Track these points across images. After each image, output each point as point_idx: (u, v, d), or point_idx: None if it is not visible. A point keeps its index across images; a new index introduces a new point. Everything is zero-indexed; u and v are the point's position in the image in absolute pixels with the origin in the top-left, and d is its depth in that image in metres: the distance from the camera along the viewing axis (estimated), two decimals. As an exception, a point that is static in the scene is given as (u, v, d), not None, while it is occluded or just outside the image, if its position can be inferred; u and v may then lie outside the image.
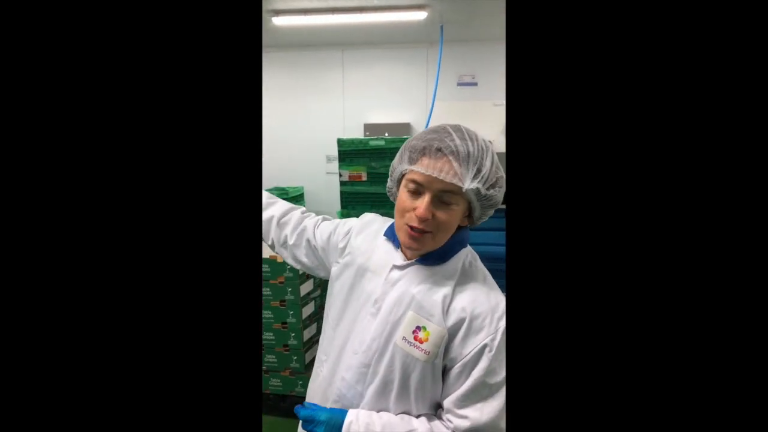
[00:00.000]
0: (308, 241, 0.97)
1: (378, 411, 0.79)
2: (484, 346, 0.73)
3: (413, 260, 0.81)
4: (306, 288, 2.10)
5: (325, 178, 3.41)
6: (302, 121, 3.39)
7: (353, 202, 2.21)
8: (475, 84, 3.18)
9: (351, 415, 0.78)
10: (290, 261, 1.01)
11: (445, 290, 0.77)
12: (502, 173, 0.77)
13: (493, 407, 0.73)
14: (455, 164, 0.72)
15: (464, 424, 0.73)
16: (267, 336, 2.11)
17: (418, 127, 3.21)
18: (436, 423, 0.76)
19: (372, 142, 2.15)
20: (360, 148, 2.15)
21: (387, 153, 2.12)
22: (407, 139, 0.83)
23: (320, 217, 1.02)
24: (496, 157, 0.76)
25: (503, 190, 0.77)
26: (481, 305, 0.75)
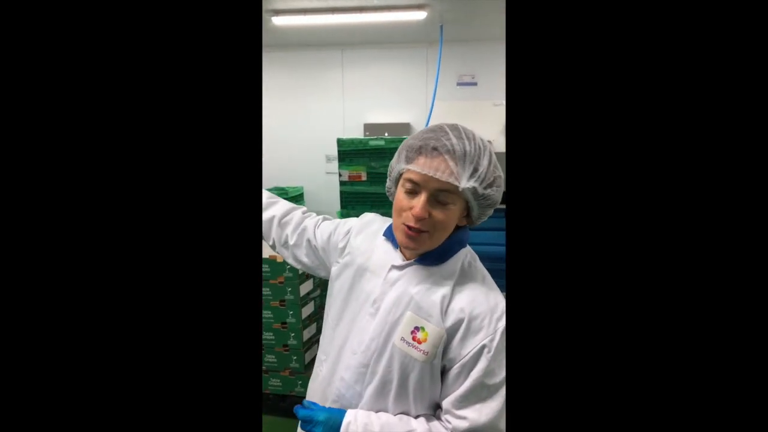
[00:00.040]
0: (309, 241, 0.97)
1: (377, 411, 0.79)
2: (483, 347, 0.73)
3: (412, 260, 0.81)
4: (306, 288, 2.10)
5: (324, 178, 3.41)
6: (302, 121, 3.39)
7: (353, 202, 2.21)
8: (475, 84, 3.18)
9: (349, 416, 0.78)
10: (291, 261, 1.01)
11: (444, 290, 0.77)
12: (500, 172, 0.77)
13: (492, 408, 0.73)
14: (451, 163, 0.72)
15: (463, 424, 0.73)
16: (267, 336, 2.11)
17: (418, 127, 3.21)
18: (435, 423, 0.76)
19: (372, 142, 2.15)
20: (360, 148, 2.15)
21: (387, 153, 2.11)
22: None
23: (321, 217, 1.02)
24: (494, 156, 0.76)
25: (501, 189, 0.77)
26: (480, 306, 0.75)
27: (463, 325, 0.74)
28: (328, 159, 3.38)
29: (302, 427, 0.80)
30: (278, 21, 2.52)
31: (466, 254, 0.82)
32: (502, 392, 0.73)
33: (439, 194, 0.73)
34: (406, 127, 3.22)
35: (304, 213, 1.03)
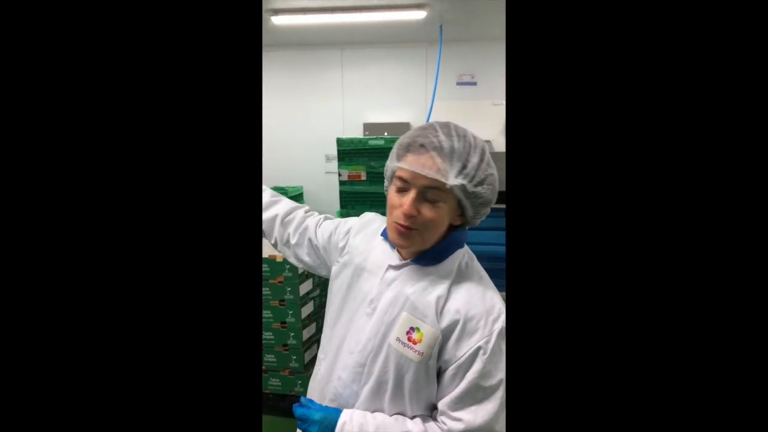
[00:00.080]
0: (310, 240, 0.97)
1: (373, 411, 0.79)
2: (478, 349, 0.72)
3: (408, 260, 0.80)
4: (305, 288, 2.10)
5: (324, 178, 3.41)
6: (301, 120, 3.39)
7: (352, 202, 2.21)
8: (475, 83, 3.18)
9: (345, 416, 0.78)
10: (293, 260, 1.01)
11: (440, 291, 0.76)
12: (493, 171, 0.76)
13: (488, 410, 0.72)
14: (438, 160, 0.71)
15: (458, 426, 0.72)
16: (266, 335, 2.11)
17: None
18: (431, 424, 0.76)
19: (371, 142, 2.15)
20: (359, 147, 2.15)
21: (386, 152, 2.09)
22: None
23: (322, 216, 1.02)
24: (487, 154, 0.76)
25: (494, 188, 0.76)
26: (476, 307, 0.74)
27: (459, 326, 0.74)
28: (328, 159, 3.38)
29: (299, 426, 0.80)
30: (278, 20, 2.52)
31: (464, 254, 0.81)
32: (499, 394, 0.73)
33: (428, 192, 0.73)
34: (405, 127, 3.22)
35: (306, 212, 1.03)
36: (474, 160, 0.73)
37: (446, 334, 0.74)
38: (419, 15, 2.42)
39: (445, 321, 0.75)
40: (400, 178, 0.75)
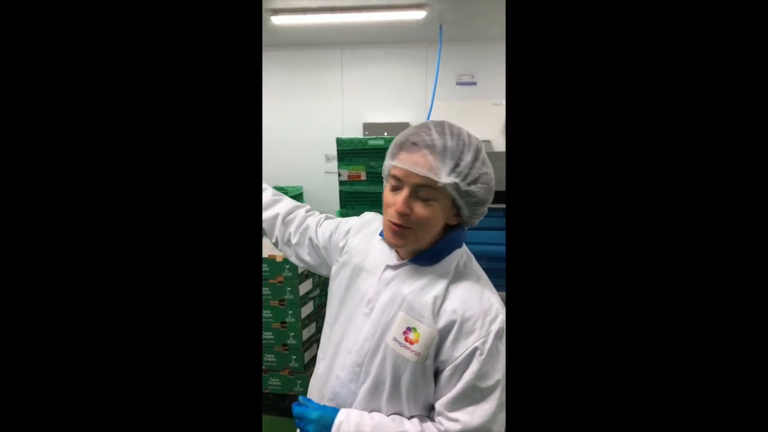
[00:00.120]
0: (311, 239, 0.97)
1: (370, 411, 0.79)
2: (475, 350, 0.72)
3: (406, 260, 0.80)
4: (305, 287, 2.10)
5: (324, 178, 3.41)
6: (301, 120, 3.39)
7: (352, 202, 2.21)
8: (474, 83, 3.18)
9: (342, 415, 0.78)
10: (294, 259, 1.01)
11: (437, 291, 0.76)
12: (488, 170, 0.75)
13: (485, 411, 0.72)
14: (430, 157, 0.71)
15: (454, 427, 0.72)
16: (266, 335, 2.11)
17: (417, 126, 3.20)
18: (429, 425, 0.76)
19: (371, 142, 2.15)
20: (359, 147, 2.15)
21: (386, 152, 2.11)
22: None
23: (323, 215, 1.02)
24: (482, 153, 0.75)
25: (489, 187, 0.76)
26: (473, 307, 0.74)
27: (455, 327, 0.73)
28: (328, 158, 3.38)
29: (296, 424, 0.81)
30: (277, 20, 2.52)
31: (462, 255, 0.81)
32: (496, 395, 0.72)
33: (420, 190, 0.73)
34: (405, 127, 3.20)
35: (307, 211, 1.03)
36: (467, 158, 0.72)
37: (443, 334, 0.74)
38: (419, 15, 2.42)
39: (442, 321, 0.74)
40: (394, 177, 0.75)
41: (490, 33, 2.82)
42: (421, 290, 0.77)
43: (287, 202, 1.03)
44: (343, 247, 0.91)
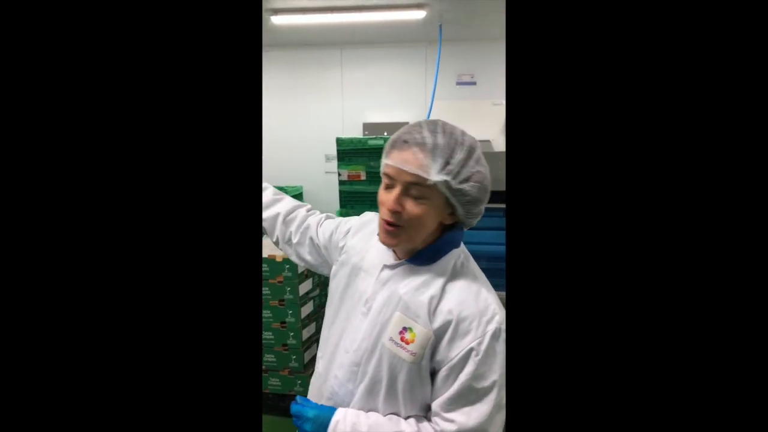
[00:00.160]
0: (311, 239, 0.97)
1: (367, 411, 0.79)
2: (471, 350, 0.72)
3: (403, 260, 0.80)
4: (305, 287, 2.09)
5: (324, 178, 3.40)
6: (301, 120, 3.38)
7: (352, 202, 2.21)
8: (474, 83, 3.18)
9: (339, 414, 0.78)
10: (295, 258, 1.01)
11: (433, 291, 0.76)
12: (482, 169, 0.75)
13: (481, 412, 0.72)
14: (420, 155, 0.71)
15: (450, 428, 0.72)
16: (266, 335, 2.11)
17: (417, 126, 3.19)
18: (425, 425, 0.76)
19: (371, 142, 2.15)
20: (359, 147, 2.15)
21: (386, 152, 2.10)
22: None
23: (324, 215, 1.03)
24: (477, 152, 0.75)
25: (482, 186, 0.75)
26: (469, 308, 0.74)
27: (451, 327, 0.73)
28: (328, 158, 3.38)
29: (294, 423, 0.81)
30: (277, 20, 2.52)
31: (459, 255, 0.81)
32: (492, 396, 0.72)
33: (412, 188, 0.73)
34: (405, 127, 3.21)
35: (308, 211, 1.03)
36: (458, 156, 0.72)
37: (439, 334, 0.74)
38: (419, 15, 2.42)
39: (438, 321, 0.74)
40: (387, 175, 0.75)
41: (490, 33, 2.82)
42: (417, 290, 0.77)
43: (288, 202, 1.03)
44: (342, 247, 0.91)
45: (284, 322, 2.08)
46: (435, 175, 0.71)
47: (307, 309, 2.13)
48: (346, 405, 0.81)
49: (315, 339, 2.19)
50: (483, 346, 0.72)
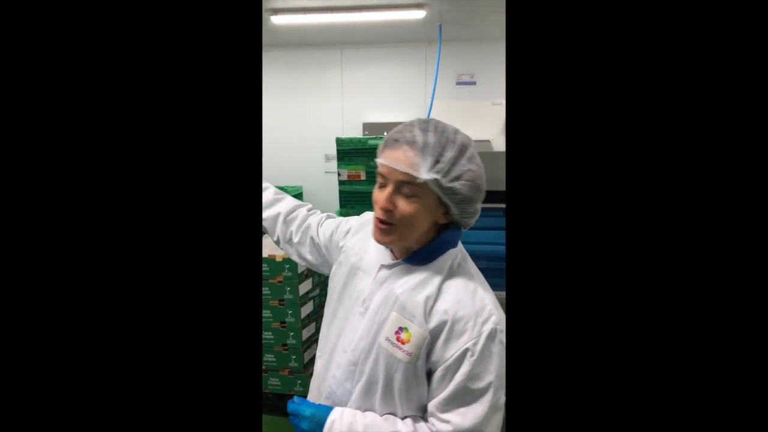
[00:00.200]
0: (312, 239, 0.98)
1: (364, 410, 0.79)
2: (466, 351, 0.72)
3: (400, 260, 0.80)
4: (305, 287, 2.09)
5: (323, 178, 3.40)
6: (301, 120, 3.38)
7: (352, 201, 2.21)
8: (474, 83, 3.17)
9: (335, 413, 0.78)
10: (296, 258, 1.02)
11: (429, 291, 0.76)
12: (474, 167, 0.74)
13: (476, 413, 0.71)
14: (410, 153, 0.71)
15: (446, 428, 0.72)
16: (266, 335, 2.11)
17: (417, 126, 3.18)
18: (422, 425, 0.75)
19: (371, 141, 2.14)
20: (359, 147, 2.15)
21: (385, 152, 2.10)
22: None
23: (325, 215, 1.03)
24: (469, 151, 0.74)
25: (475, 184, 0.74)
26: (465, 308, 0.74)
27: (447, 327, 0.73)
28: (327, 158, 3.37)
29: (291, 421, 0.81)
30: (277, 20, 2.52)
31: (457, 255, 0.81)
32: (488, 397, 0.72)
33: (403, 186, 0.73)
34: (405, 127, 3.20)
35: (309, 210, 1.04)
36: (449, 154, 0.72)
37: (434, 334, 0.74)
38: (419, 15, 2.42)
39: (434, 321, 0.74)
40: (381, 174, 0.76)
41: (490, 33, 2.82)
42: (413, 290, 0.77)
43: (289, 201, 1.03)
44: (342, 247, 0.92)
45: (284, 322, 2.08)
46: (425, 174, 0.71)
47: (307, 309, 2.13)
48: (344, 404, 0.81)
49: (315, 339, 2.19)
50: (478, 347, 0.71)
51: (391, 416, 0.78)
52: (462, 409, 0.72)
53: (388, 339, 0.76)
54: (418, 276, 0.78)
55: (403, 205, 0.73)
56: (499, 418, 0.74)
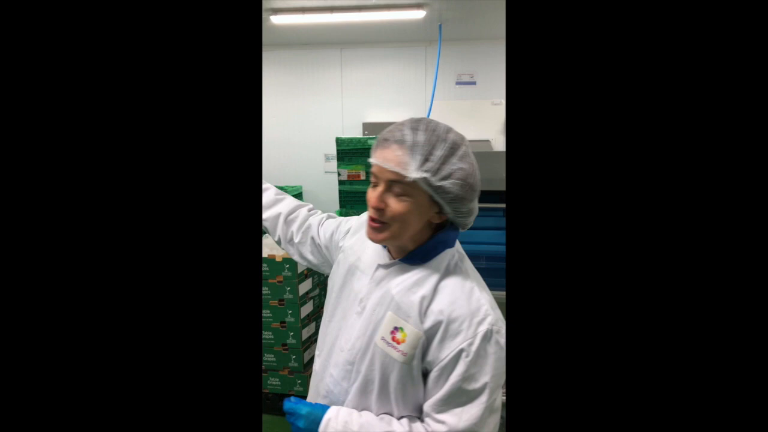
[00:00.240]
0: (313, 238, 0.98)
1: (361, 410, 0.79)
2: (461, 351, 0.71)
3: (397, 260, 0.81)
4: (305, 287, 2.09)
5: (323, 177, 3.40)
6: (300, 120, 3.38)
7: (352, 201, 2.21)
8: (474, 83, 3.17)
9: (331, 412, 0.78)
10: (297, 258, 1.02)
11: (424, 291, 0.76)
12: (465, 166, 0.73)
13: (472, 414, 0.71)
14: (399, 152, 0.72)
15: (441, 429, 0.72)
16: (266, 335, 2.11)
17: (417, 126, 3.18)
18: (417, 425, 0.75)
19: (371, 141, 2.14)
20: (359, 146, 2.15)
21: (385, 152, 2.10)
22: None
23: (325, 214, 1.03)
24: (461, 149, 0.74)
25: (466, 183, 0.73)
26: (460, 308, 0.73)
27: (442, 328, 0.73)
28: (327, 158, 3.37)
29: (287, 419, 0.81)
30: (277, 20, 2.52)
31: (454, 255, 0.80)
32: (484, 399, 0.71)
33: (394, 185, 0.73)
34: (404, 127, 3.20)
35: (309, 210, 1.04)
36: (438, 153, 0.71)
37: (430, 335, 0.74)
38: (418, 14, 2.42)
39: (429, 322, 0.74)
40: (373, 173, 0.76)
41: (490, 33, 2.82)
42: (409, 290, 0.77)
43: (290, 202, 1.04)
44: (342, 246, 0.92)
45: (284, 322, 2.08)
46: (413, 172, 0.71)
47: (306, 309, 2.13)
48: (342, 403, 0.81)
49: (315, 339, 2.18)
50: (473, 347, 0.71)
51: (387, 416, 0.78)
52: (457, 410, 0.72)
53: (383, 339, 0.76)
54: (414, 276, 0.78)
55: (394, 204, 0.73)
56: (495, 419, 0.74)
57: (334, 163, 2.31)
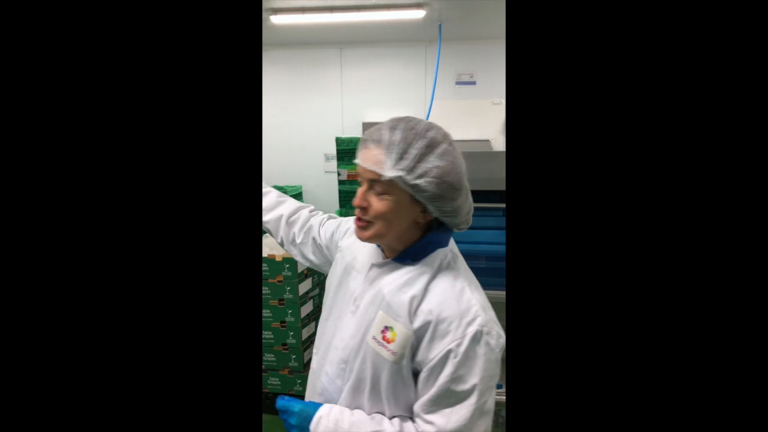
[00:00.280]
0: (314, 239, 1.00)
1: (354, 408, 0.80)
2: (449, 352, 0.71)
3: (389, 259, 0.81)
4: (304, 287, 2.09)
5: (323, 177, 3.40)
6: (300, 119, 3.38)
7: (352, 201, 2.21)
8: (474, 83, 3.17)
9: (323, 410, 0.78)
10: (299, 258, 1.04)
11: (415, 291, 0.76)
12: (442, 164, 0.72)
13: (461, 416, 0.71)
14: (376, 151, 0.72)
15: (430, 429, 0.72)
16: (266, 335, 2.11)
17: (417, 125, 3.18)
18: (408, 425, 0.75)
19: (371, 141, 2.14)
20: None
21: (386, 152, 2.10)
22: None
23: (326, 215, 1.05)
24: (441, 147, 0.73)
25: (442, 181, 0.72)
26: (449, 309, 0.73)
27: (431, 328, 0.73)
28: (327, 158, 3.37)
29: (280, 417, 0.82)
30: (276, 20, 2.52)
31: (446, 254, 0.80)
32: (473, 401, 0.71)
33: (374, 184, 0.74)
34: (404, 126, 3.19)
35: (311, 211, 1.05)
36: (414, 151, 0.71)
37: (419, 335, 0.74)
38: (418, 14, 2.42)
39: (418, 321, 0.74)
40: (359, 173, 0.77)
41: (490, 32, 2.82)
42: (399, 289, 0.77)
43: (291, 203, 1.05)
44: (340, 246, 0.93)
45: (284, 322, 2.08)
46: (388, 171, 0.71)
47: (306, 308, 2.13)
48: (336, 401, 0.82)
49: (314, 338, 2.19)
50: (462, 348, 0.71)
51: (378, 415, 0.78)
52: (446, 411, 0.72)
53: (374, 338, 0.76)
54: (405, 275, 0.78)
55: (376, 203, 0.75)
56: (486, 422, 0.73)
57: (334, 162, 2.31)
